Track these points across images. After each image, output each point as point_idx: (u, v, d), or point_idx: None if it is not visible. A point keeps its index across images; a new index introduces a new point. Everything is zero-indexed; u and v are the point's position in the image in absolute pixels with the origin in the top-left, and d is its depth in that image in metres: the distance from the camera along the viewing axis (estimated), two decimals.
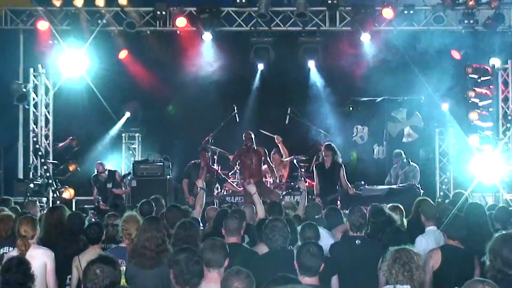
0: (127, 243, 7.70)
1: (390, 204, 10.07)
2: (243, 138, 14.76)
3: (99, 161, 15.92)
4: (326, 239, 8.11)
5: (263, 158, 14.82)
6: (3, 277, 6.12)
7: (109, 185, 15.28)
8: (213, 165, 15.26)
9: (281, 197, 14.88)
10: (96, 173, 15.59)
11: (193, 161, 15.01)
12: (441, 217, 8.45)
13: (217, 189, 15.31)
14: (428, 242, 7.92)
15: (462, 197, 10.42)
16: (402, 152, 16.54)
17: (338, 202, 13.73)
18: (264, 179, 15.48)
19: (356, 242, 7.66)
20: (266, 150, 15.19)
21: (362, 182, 13.62)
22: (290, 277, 5.06)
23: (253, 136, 14.74)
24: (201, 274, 5.56)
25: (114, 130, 17.65)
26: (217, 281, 5.40)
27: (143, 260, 6.99)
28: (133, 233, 7.69)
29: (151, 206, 9.65)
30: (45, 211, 9.72)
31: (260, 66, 17.10)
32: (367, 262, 7.54)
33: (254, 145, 14.72)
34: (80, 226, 8.33)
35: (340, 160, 14.15)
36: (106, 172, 15.47)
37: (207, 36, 16.03)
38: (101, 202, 14.83)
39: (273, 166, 15.61)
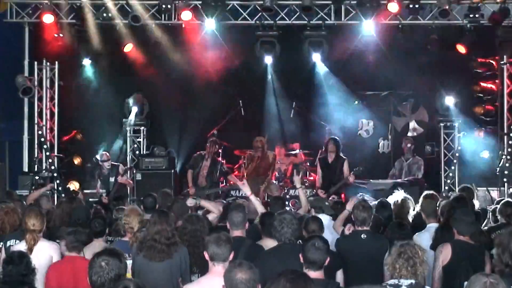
0: (129, 236, 7.71)
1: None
2: (254, 144, 14.44)
3: (104, 151, 15.95)
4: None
5: (271, 162, 14.60)
6: (5, 269, 6.17)
7: (112, 179, 15.30)
8: (218, 158, 15.09)
9: (285, 191, 14.86)
10: (99, 164, 15.58)
11: (198, 153, 14.90)
12: (444, 213, 8.48)
13: (222, 182, 15.17)
14: (422, 239, 7.83)
15: (467, 192, 10.41)
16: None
17: (343, 195, 13.65)
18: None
19: (362, 236, 7.65)
20: (275, 155, 14.97)
21: (361, 169, 13.42)
22: (299, 272, 5.03)
23: (264, 142, 14.50)
24: None
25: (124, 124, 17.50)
26: (222, 274, 5.40)
27: (153, 252, 7.00)
28: (135, 227, 7.70)
29: (155, 199, 9.66)
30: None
31: (265, 60, 17.04)
32: (373, 256, 7.52)
33: (265, 150, 14.43)
34: (85, 219, 8.36)
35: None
36: (109, 162, 15.49)
37: (211, 27, 16.04)
38: (104, 196, 14.83)
39: (278, 160, 15.55)
